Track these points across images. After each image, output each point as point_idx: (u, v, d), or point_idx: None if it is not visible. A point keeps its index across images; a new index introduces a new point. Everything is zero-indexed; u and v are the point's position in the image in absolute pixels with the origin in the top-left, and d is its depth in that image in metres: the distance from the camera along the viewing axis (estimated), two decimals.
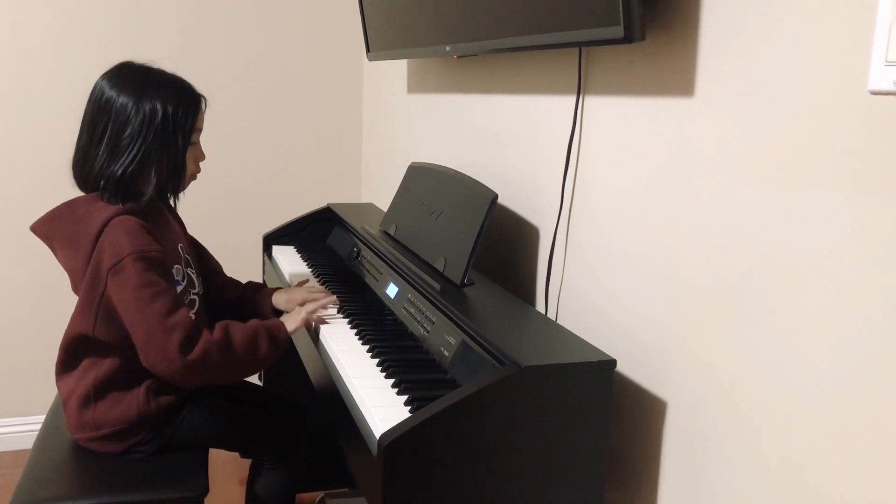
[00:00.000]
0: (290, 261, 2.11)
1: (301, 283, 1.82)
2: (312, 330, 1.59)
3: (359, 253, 1.99)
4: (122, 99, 1.46)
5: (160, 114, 1.46)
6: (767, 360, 1.03)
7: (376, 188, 2.78)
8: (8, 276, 2.56)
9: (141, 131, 1.46)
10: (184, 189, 1.60)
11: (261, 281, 2.31)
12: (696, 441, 1.17)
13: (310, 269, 2.01)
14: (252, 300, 1.80)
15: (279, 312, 1.77)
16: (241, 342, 1.45)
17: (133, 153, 1.46)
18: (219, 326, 1.46)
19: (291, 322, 1.55)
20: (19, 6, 2.44)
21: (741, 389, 1.07)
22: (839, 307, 0.92)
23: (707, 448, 1.14)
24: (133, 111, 1.45)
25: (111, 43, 2.55)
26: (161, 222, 1.57)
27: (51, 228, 1.51)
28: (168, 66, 1.57)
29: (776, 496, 1.02)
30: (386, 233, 1.93)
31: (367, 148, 2.89)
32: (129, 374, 1.52)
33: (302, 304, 1.66)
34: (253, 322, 1.51)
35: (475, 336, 1.28)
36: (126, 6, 2.55)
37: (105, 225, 1.43)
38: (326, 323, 1.57)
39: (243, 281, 1.87)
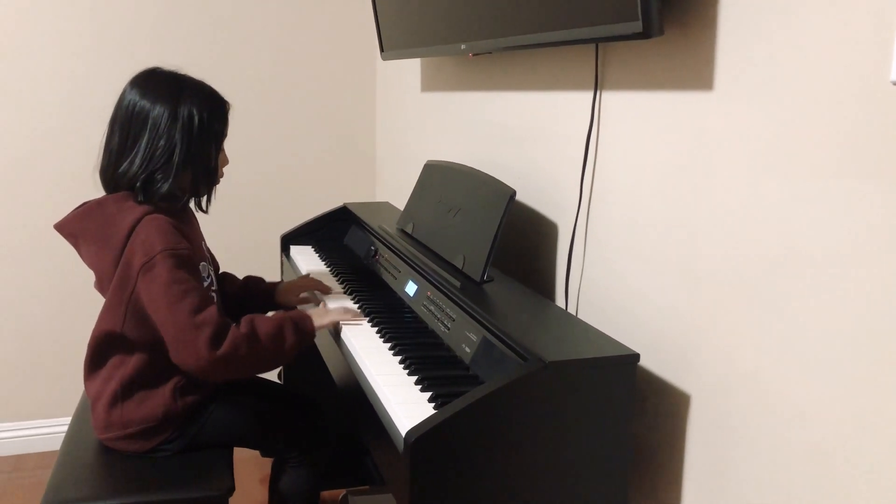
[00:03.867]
0: (308, 260, 2.12)
1: (305, 279, 1.85)
2: (334, 329, 1.61)
3: (376, 251, 2.00)
4: (157, 106, 1.49)
5: (196, 121, 1.50)
6: (791, 351, 1.03)
7: (391, 187, 2.79)
8: (32, 279, 2.59)
9: (176, 138, 1.49)
10: (213, 191, 1.63)
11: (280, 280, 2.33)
12: (720, 433, 1.17)
13: (328, 269, 2.02)
14: (254, 293, 1.84)
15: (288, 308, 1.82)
16: (267, 335, 1.48)
17: (168, 159, 1.49)
18: (244, 321, 1.49)
19: (319, 318, 1.56)
20: (44, 12, 2.47)
21: (765, 381, 1.08)
22: (862, 297, 0.92)
23: (732, 440, 1.14)
24: (169, 119, 1.48)
25: (131, 48, 2.57)
26: (187, 221, 1.60)
27: (78, 226, 1.53)
28: (179, 68, 1.59)
29: (803, 487, 1.02)
30: (403, 231, 1.94)
31: (381, 147, 2.90)
32: (155, 372, 1.54)
33: (303, 287, 1.75)
34: (278, 314, 1.54)
35: (497, 332, 1.28)
36: (140, 9, 2.57)
37: (136, 223, 1.46)
38: (350, 324, 1.59)
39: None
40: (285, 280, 2.08)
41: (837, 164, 0.95)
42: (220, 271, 1.88)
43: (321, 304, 1.72)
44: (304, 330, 1.53)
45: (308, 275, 1.89)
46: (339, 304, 1.65)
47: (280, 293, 1.83)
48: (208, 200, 1.65)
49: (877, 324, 0.90)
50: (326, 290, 1.78)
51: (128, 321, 1.49)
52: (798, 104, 1.00)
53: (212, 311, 1.44)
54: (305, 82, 2.81)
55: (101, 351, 1.56)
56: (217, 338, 1.42)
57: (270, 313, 1.65)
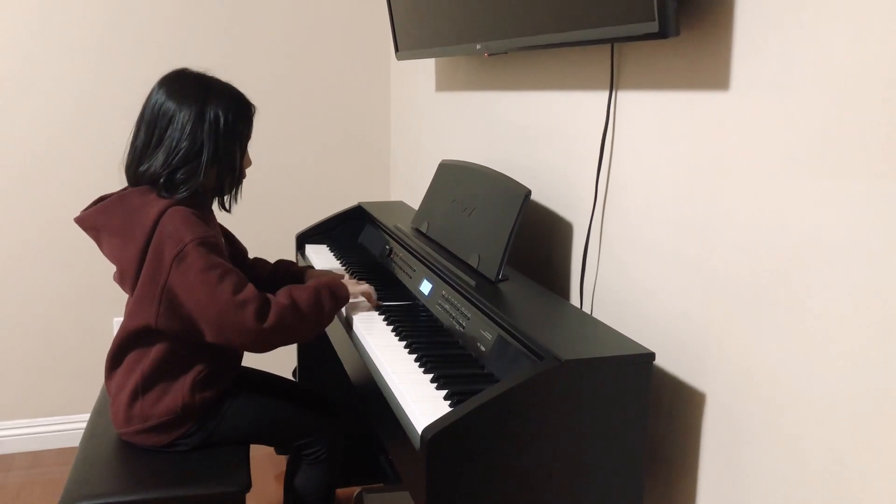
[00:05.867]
0: (323, 259, 2.14)
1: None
2: (347, 323, 1.62)
3: (391, 250, 2.01)
4: (183, 107, 1.52)
5: (222, 122, 1.53)
6: (806, 351, 1.03)
7: (405, 186, 2.80)
8: (49, 276, 2.62)
9: (203, 139, 1.52)
10: (237, 191, 1.67)
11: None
12: (735, 432, 1.17)
13: (343, 267, 2.04)
14: (285, 275, 1.87)
15: None
16: (306, 302, 1.54)
17: (193, 159, 1.52)
18: (282, 292, 1.54)
19: (353, 286, 1.63)
20: (62, 13, 2.50)
21: (780, 380, 1.08)
22: (880, 298, 0.92)
23: (747, 439, 1.15)
24: (195, 120, 1.51)
25: (146, 48, 2.59)
26: (206, 216, 1.62)
27: (100, 219, 1.55)
28: (207, 70, 1.61)
29: (816, 487, 1.02)
30: (418, 230, 1.95)
31: (395, 147, 2.91)
32: (175, 364, 1.57)
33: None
34: (312, 282, 1.60)
35: (512, 331, 1.29)
36: (155, 9, 2.59)
37: (161, 215, 1.49)
38: (363, 312, 1.63)
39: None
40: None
41: (856, 164, 0.95)
42: (252, 257, 1.92)
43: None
44: (339, 295, 1.59)
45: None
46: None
47: (311, 276, 1.86)
48: (232, 200, 1.68)
49: (894, 324, 0.90)
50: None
51: (161, 313, 1.50)
52: (815, 103, 1.00)
53: (251, 288, 1.49)
54: (320, 82, 2.82)
55: (126, 346, 1.58)
56: (262, 311, 1.48)
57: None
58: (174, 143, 1.51)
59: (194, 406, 1.57)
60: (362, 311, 1.66)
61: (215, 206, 1.70)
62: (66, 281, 2.64)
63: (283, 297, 1.52)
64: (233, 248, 1.87)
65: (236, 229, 2.67)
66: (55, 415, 2.71)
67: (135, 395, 1.56)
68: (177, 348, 1.55)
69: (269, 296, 1.52)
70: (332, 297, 1.57)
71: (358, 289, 1.65)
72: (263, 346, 1.52)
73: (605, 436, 1.16)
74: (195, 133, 1.51)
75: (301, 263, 2.26)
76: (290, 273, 1.89)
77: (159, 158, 1.51)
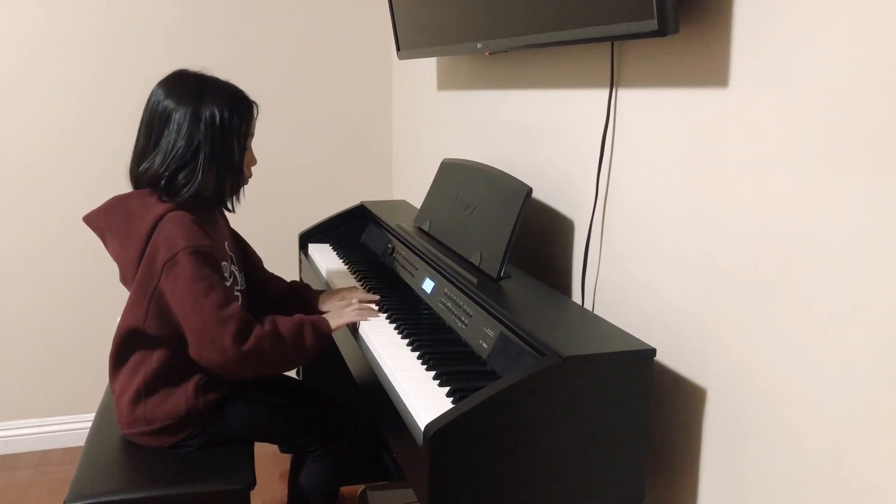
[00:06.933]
0: (326, 258, 2.14)
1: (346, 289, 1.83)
2: (352, 326, 1.63)
3: (393, 249, 2.02)
4: (180, 106, 1.51)
5: (217, 120, 1.52)
6: (807, 348, 1.03)
7: (407, 185, 2.81)
8: (55, 275, 2.63)
9: (199, 138, 1.51)
10: (240, 191, 1.65)
11: (298, 279, 2.35)
12: (736, 428, 1.18)
13: (346, 267, 2.04)
14: (297, 299, 1.83)
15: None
16: (288, 334, 1.50)
17: (190, 159, 1.51)
18: (267, 319, 1.51)
19: (335, 319, 1.59)
20: (63, 14, 2.51)
21: (781, 377, 1.08)
22: (880, 294, 0.92)
23: (748, 435, 1.15)
24: (191, 119, 1.51)
25: (149, 48, 2.60)
26: (210, 220, 1.62)
27: (104, 220, 1.56)
28: (206, 70, 1.61)
29: (818, 483, 1.03)
30: (420, 229, 1.96)
31: (397, 146, 2.92)
32: (177, 369, 1.57)
33: (344, 297, 1.72)
34: (297, 316, 1.56)
35: (514, 328, 1.30)
36: (157, 10, 2.60)
37: (159, 220, 1.48)
38: (367, 320, 1.61)
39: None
40: (304, 278, 2.10)
41: (855, 160, 0.95)
42: (265, 273, 1.88)
43: (338, 296, 1.74)
44: (322, 332, 1.56)
45: (353, 287, 1.84)
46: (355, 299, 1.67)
47: (324, 300, 1.80)
48: (235, 200, 1.67)
49: (894, 321, 0.91)
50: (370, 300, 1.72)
51: (149, 317, 1.51)
52: (814, 99, 1.01)
53: (236, 307, 1.47)
54: (322, 82, 2.83)
55: (125, 347, 1.59)
56: (242, 333, 1.45)
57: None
58: (171, 144, 1.50)
59: (198, 410, 1.58)
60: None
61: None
62: (70, 280, 2.65)
63: (267, 324, 1.49)
64: (245, 258, 1.84)
65: (240, 229, 2.67)
66: (60, 414, 2.72)
67: (138, 398, 1.57)
68: (180, 352, 1.55)
69: (255, 320, 1.49)
70: (314, 334, 1.54)
71: (342, 321, 1.58)
72: (238, 371, 1.48)
73: (607, 431, 1.16)
74: (191, 132, 1.51)
75: (304, 263, 2.26)
76: (305, 296, 1.82)
77: (157, 159, 1.51)
